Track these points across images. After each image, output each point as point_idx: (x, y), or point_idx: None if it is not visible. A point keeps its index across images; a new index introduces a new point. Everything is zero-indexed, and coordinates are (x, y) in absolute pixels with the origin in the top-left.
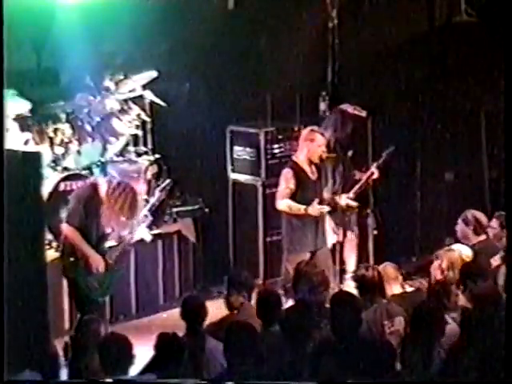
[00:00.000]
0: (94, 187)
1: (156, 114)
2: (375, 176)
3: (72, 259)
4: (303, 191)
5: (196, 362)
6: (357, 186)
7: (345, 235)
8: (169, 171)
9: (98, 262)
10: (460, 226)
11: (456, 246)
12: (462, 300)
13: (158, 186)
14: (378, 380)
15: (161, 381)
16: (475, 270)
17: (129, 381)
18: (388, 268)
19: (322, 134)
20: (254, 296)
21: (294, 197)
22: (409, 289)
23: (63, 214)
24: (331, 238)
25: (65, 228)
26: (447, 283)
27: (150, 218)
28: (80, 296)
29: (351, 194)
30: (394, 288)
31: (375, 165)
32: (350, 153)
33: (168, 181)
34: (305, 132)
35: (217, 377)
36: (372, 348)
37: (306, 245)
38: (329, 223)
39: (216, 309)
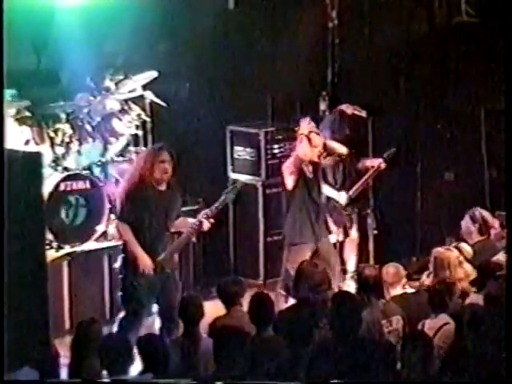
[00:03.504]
0: (141, 178)
1: (156, 114)
2: (382, 166)
3: (123, 255)
4: (301, 189)
5: (191, 361)
6: (355, 187)
7: (346, 235)
8: None
9: (146, 265)
10: (465, 222)
11: (454, 244)
12: (471, 299)
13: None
14: (378, 380)
15: (157, 381)
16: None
17: (128, 381)
18: (391, 269)
19: (318, 135)
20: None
21: (292, 195)
22: (409, 289)
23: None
24: (332, 237)
25: (117, 224)
26: (450, 283)
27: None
28: (126, 295)
29: (351, 194)
30: (396, 289)
31: (376, 165)
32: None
33: (237, 183)
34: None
35: (211, 377)
36: (372, 348)
37: (308, 236)
38: (329, 223)
39: (216, 309)
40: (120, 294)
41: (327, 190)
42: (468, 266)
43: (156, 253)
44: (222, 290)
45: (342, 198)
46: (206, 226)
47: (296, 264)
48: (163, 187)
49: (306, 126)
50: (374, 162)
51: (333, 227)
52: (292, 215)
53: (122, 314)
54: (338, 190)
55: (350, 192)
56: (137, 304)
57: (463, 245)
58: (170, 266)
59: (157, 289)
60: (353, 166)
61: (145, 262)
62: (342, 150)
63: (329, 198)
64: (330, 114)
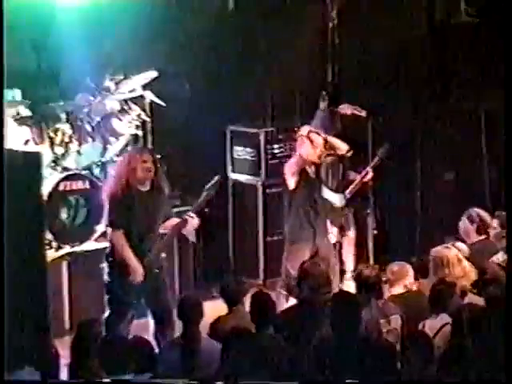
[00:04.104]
0: (125, 181)
1: (156, 114)
2: (369, 176)
3: (110, 259)
4: (303, 189)
5: (190, 361)
6: (351, 186)
7: (342, 235)
8: (169, 171)
9: (137, 273)
10: (463, 223)
11: (451, 243)
12: (470, 298)
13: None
14: (378, 380)
15: (156, 380)
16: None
17: (128, 381)
18: (396, 266)
19: (319, 134)
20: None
21: (294, 194)
22: (410, 290)
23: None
24: (330, 237)
25: (110, 233)
26: (451, 283)
27: (197, 220)
28: (114, 297)
29: (347, 194)
30: (398, 288)
31: (370, 165)
32: (349, 153)
33: (216, 178)
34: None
35: (211, 377)
36: (372, 348)
37: (308, 235)
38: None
39: (216, 309)
40: (107, 296)
41: (324, 191)
42: (466, 264)
43: (143, 254)
44: (225, 290)
45: (339, 200)
46: (195, 223)
47: (295, 263)
48: (147, 188)
49: (305, 127)
50: (358, 177)
51: (330, 228)
52: (293, 215)
53: (106, 314)
54: (336, 191)
55: (346, 194)
56: (124, 306)
57: (460, 244)
58: (157, 266)
59: (145, 290)
60: (351, 167)
61: (137, 270)
62: (343, 146)
63: (325, 199)
64: (319, 112)
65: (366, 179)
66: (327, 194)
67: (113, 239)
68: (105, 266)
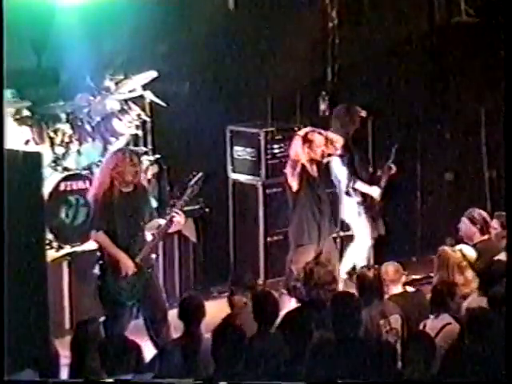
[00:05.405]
0: (111, 182)
1: (156, 114)
2: (393, 171)
3: (101, 262)
4: (306, 189)
5: (192, 361)
6: (383, 180)
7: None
8: (169, 171)
9: (127, 266)
10: (465, 225)
11: (459, 247)
12: (469, 300)
13: (190, 180)
14: (378, 380)
15: (158, 381)
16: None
17: (128, 381)
18: (390, 267)
19: (320, 134)
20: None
21: (297, 195)
22: (410, 289)
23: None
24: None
25: (93, 235)
26: (453, 283)
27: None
28: (108, 299)
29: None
30: (395, 288)
31: (390, 161)
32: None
33: (200, 174)
34: (303, 134)
35: (212, 377)
36: (373, 348)
37: (314, 236)
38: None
39: (216, 309)
40: (101, 299)
41: (360, 186)
42: (470, 273)
43: (133, 254)
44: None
45: (375, 192)
46: (182, 220)
47: (300, 264)
48: (130, 189)
49: (307, 128)
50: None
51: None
52: (298, 216)
53: (102, 319)
54: (371, 184)
55: (382, 185)
56: (120, 307)
57: (467, 249)
58: (148, 266)
59: (138, 290)
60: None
61: (127, 263)
62: (340, 139)
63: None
64: (334, 113)
65: (391, 173)
66: (362, 187)
67: (97, 240)
68: (96, 269)
